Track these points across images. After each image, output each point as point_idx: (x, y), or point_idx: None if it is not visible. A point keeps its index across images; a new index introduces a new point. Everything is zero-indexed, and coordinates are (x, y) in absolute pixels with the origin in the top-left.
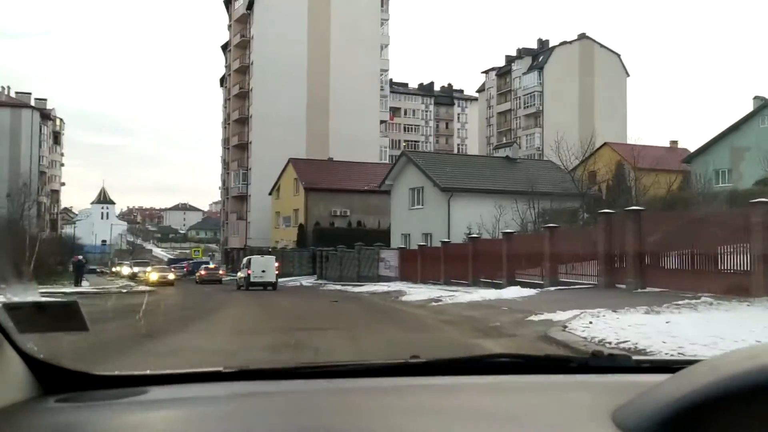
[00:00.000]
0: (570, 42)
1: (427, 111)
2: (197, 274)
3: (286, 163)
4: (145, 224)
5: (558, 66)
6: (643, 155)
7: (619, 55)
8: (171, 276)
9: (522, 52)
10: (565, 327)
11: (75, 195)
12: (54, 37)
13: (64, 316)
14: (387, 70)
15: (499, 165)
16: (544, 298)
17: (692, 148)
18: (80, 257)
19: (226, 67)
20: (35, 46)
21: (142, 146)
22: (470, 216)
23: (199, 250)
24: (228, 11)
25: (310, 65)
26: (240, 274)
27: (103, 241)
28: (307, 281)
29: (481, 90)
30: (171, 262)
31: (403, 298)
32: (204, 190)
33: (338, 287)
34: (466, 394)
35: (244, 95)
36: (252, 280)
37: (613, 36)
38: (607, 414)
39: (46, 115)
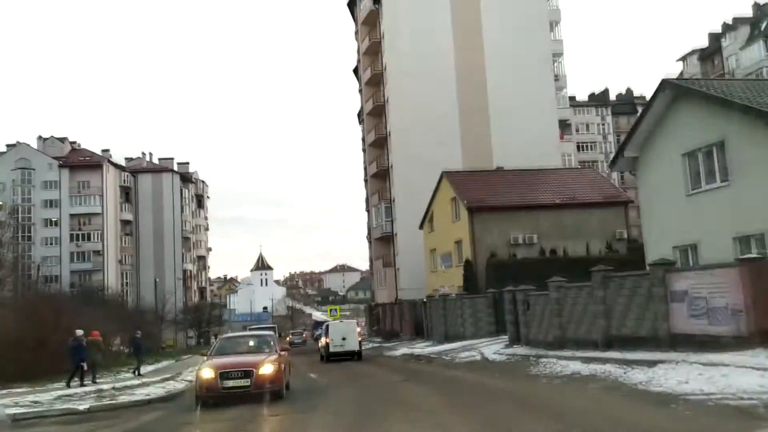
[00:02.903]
0: None
1: (603, 124)
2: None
3: (438, 179)
4: (306, 288)
5: None
6: None
7: None
8: (269, 369)
9: (736, 23)
10: None
11: (241, 266)
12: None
13: None
14: (561, 54)
15: None
16: None
17: None
18: (138, 333)
19: (359, 91)
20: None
21: (302, 216)
22: None
23: (336, 310)
24: (353, 15)
25: (459, 57)
26: (321, 343)
27: (264, 308)
28: (492, 349)
29: None
30: (316, 326)
31: None
32: (362, 250)
33: (588, 371)
34: None
35: (379, 110)
36: (331, 350)
37: None
38: None
39: (187, 178)
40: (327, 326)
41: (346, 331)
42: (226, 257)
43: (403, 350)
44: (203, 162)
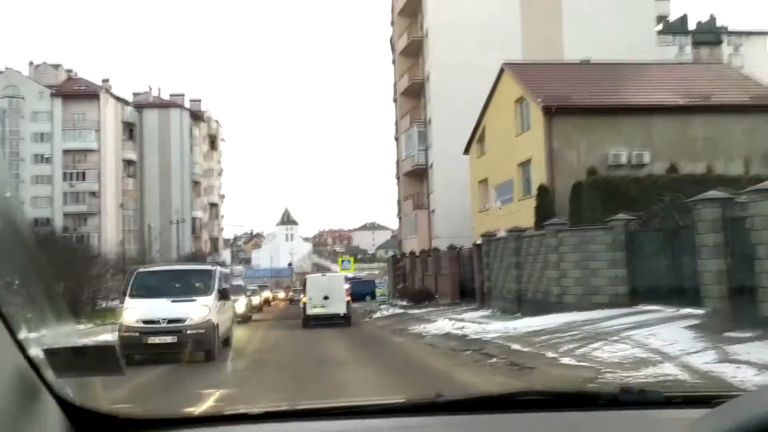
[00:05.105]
0: None
1: (681, 55)
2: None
3: (496, 77)
4: (334, 246)
5: None
6: None
7: None
8: None
9: None
10: None
11: (267, 220)
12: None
13: (100, 360)
14: None
15: None
16: None
17: None
18: None
19: None
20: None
21: (330, 170)
22: None
23: (349, 261)
24: None
25: None
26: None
27: (289, 264)
28: (667, 335)
29: None
30: None
31: None
32: (393, 207)
33: None
34: None
35: (414, 6)
36: (310, 312)
37: None
38: None
39: (198, 116)
40: (305, 281)
41: (329, 288)
42: (250, 210)
43: (441, 324)
44: (227, 111)
